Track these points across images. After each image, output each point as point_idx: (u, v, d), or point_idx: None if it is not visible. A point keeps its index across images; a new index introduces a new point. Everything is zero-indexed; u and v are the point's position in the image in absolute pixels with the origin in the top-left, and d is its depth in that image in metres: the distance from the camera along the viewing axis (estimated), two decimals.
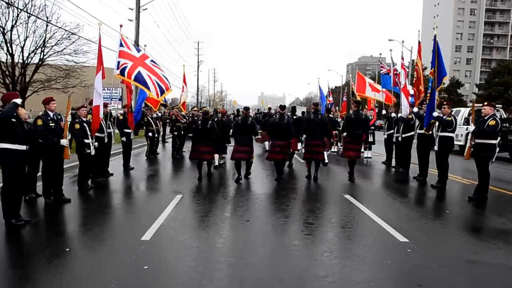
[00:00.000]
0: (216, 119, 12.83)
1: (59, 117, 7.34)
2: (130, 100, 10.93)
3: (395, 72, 13.59)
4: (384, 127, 13.76)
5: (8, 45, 21.60)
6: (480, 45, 78.58)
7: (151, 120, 13.97)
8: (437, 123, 9.31)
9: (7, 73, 21.86)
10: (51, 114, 7.02)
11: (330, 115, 15.03)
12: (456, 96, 55.14)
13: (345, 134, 10.72)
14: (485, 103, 8.20)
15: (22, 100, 6.00)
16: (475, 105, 10.06)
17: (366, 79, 18.48)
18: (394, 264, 4.48)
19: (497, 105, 8.41)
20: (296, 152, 12.90)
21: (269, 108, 24.78)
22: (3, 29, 21.17)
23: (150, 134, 13.88)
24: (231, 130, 10.54)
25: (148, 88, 10.23)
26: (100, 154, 9.07)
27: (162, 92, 10.49)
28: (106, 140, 9.39)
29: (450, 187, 9.19)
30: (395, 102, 14.72)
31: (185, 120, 15.02)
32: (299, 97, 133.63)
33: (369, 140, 14.92)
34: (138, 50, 10.79)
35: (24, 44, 22.27)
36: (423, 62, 11.59)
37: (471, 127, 8.21)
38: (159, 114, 16.21)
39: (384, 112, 13.42)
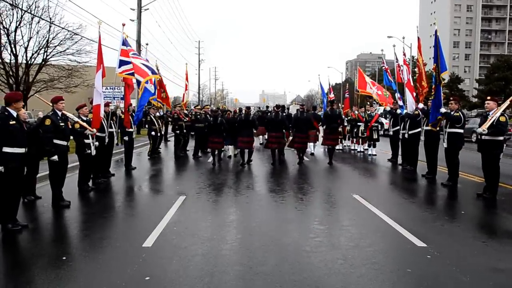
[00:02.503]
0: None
1: (64, 117, 7.07)
2: (129, 99, 10.61)
3: (399, 68, 13.33)
4: (389, 124, 13.45)
5: (12, 45, 21.92)
6: (478, 40, 78.37)
7: (154, 119, 13.67)
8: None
9: (10, 73, 22.03)
10: (59, 113, 6.79)
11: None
12: (458, 91, 54.61)
13: (324, 127, 12.85)
14: (488, 98, 7.90)
15: (25, 100, 5.83)
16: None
17: (366, 78, 18.72)
18: (415, 273, 4.15)
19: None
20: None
21: (267, 107, 25.42)
22: (7, 30, 21.47)
23: (153, 133, 13.58)
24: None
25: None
26: (101, 154, 8.79)
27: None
28: (107, 140, 9.11)
29: (462, 185, 8.88)
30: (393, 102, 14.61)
31: (187, 118, 14.73)
32: (299, 95, 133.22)
33: (374, 137, 14.63)
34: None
35: (27, 45, 22.63)
36: (422, 58, 11.33)
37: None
38: (161, 113, 15.91)
39: (388, 108, 13.22)
